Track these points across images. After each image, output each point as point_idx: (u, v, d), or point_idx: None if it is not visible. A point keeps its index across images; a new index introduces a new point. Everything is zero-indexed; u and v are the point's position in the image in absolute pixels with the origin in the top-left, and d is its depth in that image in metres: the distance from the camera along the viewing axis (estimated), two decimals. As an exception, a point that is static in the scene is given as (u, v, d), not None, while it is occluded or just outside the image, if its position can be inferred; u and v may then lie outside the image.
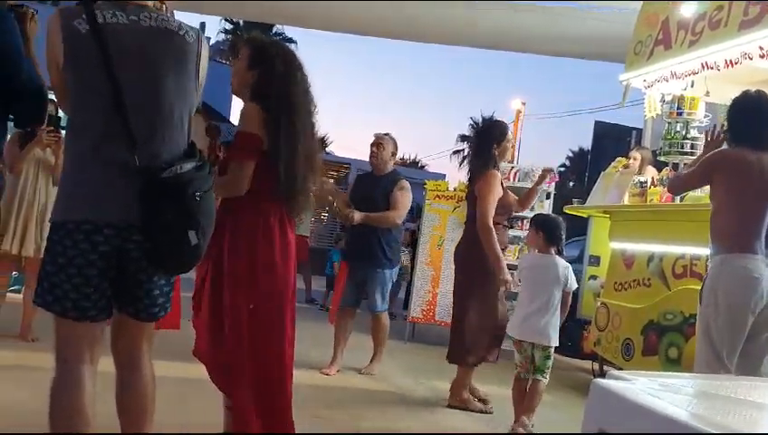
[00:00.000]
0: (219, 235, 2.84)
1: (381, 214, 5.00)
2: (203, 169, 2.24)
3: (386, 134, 5.32)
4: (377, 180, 5.19)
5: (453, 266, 6.97)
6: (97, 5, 2.16)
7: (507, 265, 4.39)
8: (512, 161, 7.37)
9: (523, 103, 9.64)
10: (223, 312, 2.79)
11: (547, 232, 4.11)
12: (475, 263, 4.41)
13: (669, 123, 5.51)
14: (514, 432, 3.93)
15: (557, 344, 3.97)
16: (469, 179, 4.73)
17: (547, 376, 3.95)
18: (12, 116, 2.45)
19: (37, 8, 2.70)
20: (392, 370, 5.39)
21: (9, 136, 4.83)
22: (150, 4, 2.30)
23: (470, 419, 4.28)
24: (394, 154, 5.31)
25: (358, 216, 4.94)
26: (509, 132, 4.68)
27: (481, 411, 4.39)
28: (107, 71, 2.10)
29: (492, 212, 4.36)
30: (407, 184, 5.19)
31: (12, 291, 5.52)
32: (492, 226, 4.31)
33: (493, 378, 4.78)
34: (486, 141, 4.61)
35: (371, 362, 5.23)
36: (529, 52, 8.80)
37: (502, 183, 4.53)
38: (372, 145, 5.23)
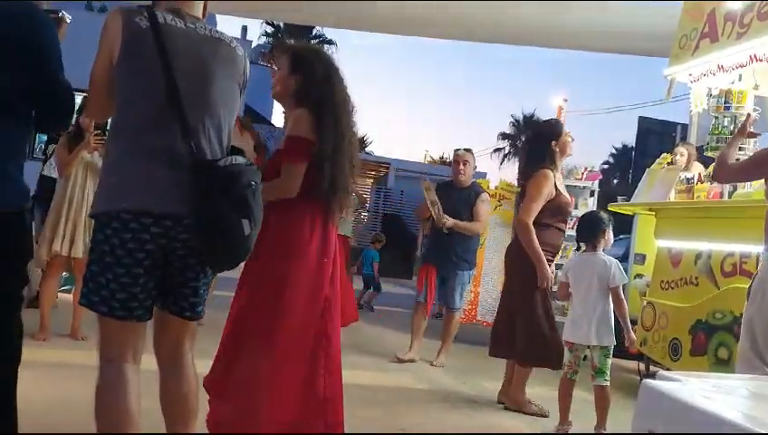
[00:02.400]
0: (262, 236, 2.88)
1: (467, 224, 5.56)
2: (252, 165, 2.29)
3: (467, 150, 5.89)
4: (459, 192, 5.71)
5: (494, 266, 7.05)
6: (158, 10, 2.23)
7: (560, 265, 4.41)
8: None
9: (565, 100, 9.54)
10: (252, 312, 2.82)
11: (585, 229, 4.05)
12: (527, 263, 4.32)
13: (716, 118, 5.38)
14: (557, 433, 3.89)
15: (614, 343, 3.90)
16: (523, 178, 4.65)
17: (608, 378, 3.87)
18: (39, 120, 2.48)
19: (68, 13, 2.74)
20: (434, 369, 5.39)
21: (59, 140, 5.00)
22: (203, 18, 2.38)
23: (513, 419, 4.24)
24: (474, 168, 5.93)
25: (450, 222, 5.45)
26: (564, 127, 4.60)
27: (537, 414, 4.30)
28: (163, 65, 2.15)
29: (534, 210, 4.29)
30: (487, 196, 5.88)
31: (62, 291, 5.68)
32: (530, 223, 4.26)
33: (535, 379, 4.72)
34: (542, 139, 4.54)
35: (439, 354, 5.61)
36: (570, 48, 8.69)
37: (556, 184, 4.41)
38: (458, 163, 5.77)
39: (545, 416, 4.29)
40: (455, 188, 5.75)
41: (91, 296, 2.17)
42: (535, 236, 4.24)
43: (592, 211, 4.81)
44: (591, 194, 7.15)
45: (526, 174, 4.50)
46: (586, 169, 7.13)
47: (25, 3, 2.44)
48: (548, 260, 4.36)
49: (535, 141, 4.66)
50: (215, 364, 2.88)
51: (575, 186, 7.07)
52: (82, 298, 2.22)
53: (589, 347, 3.92)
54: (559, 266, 6.24)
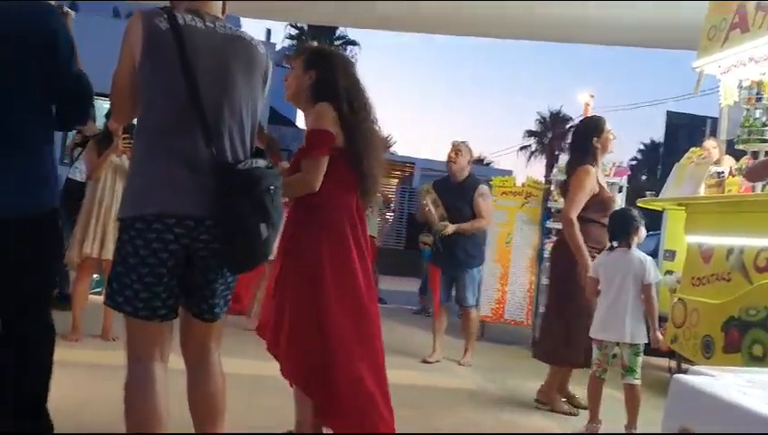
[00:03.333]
0: (289, 233, 2.89)
1: (471, 224, 5.47)
2: (273, 168, 2.29)
3: (463, 142, 5.74)
4: (457, 188, 5.59)
5: (522, 264, 7.00)
6: (177, 11, 2.24)
7: None
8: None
9: (591, 96, 9.42)
10: (297, 309, 2.83)
11: (617, 227, 4.00)
12: (568, 261, 4.30)
13: (747, 110, 5.27)
14: (587, 433, 3.85)
15: (645, 341, 3.84)
16: (566, 175, 4.69)
17: (639, 376, 3.82)
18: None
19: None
20: (462, 368, 5.37)
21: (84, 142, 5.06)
22: (222, 17, 2.38)
23: (543, 418, 4.21)
24: (470, 161, 5.74)
25: (451, 228, 5.39)
26: (607, 125, 4.57)
27: (567, 413, 4.30)
28: (183, 67, 2.15)
29: (577, 205, 4.29)
30: (485, 189, 5.67)
31: (93, 293, 5.76)
32: (574, 218, 4.24)
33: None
34: (584, 136, 4.54)
35: (465, 353, 5.60)
36: (595, 43, 8.59)
37: (598, 180, 4.41)
38: (450, 152, 5.65)
39: (574, 415, 4.27)
40: (452, 182, 5.65)
41: (116, 297, 2.20)
42: (578, 230, 4.23)
43: (624, 208, 4.74)
44: (620, 190, 7.06)
45: (568, 170, 4.54)
46: (614, 164, 7.03)
47: (39, 2, 2.48)
48: (593, 257, 4.33)
49: (578, 137, 4.65)
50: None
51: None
52: (107, 298, 2.24)
53: (618, 345, 3.87)
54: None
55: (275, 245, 2.49)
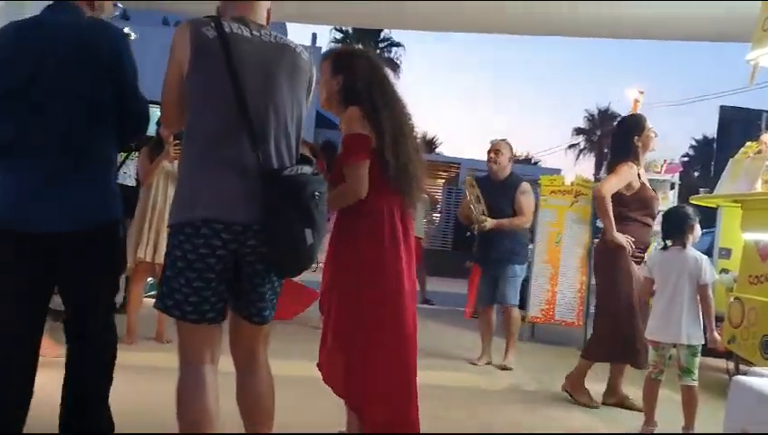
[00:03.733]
0: (333, 239, 2.91)
1: (510, 221, 5.36)
2: (319, 175, 2.30)
3: (502, 140, 5.62)
4: (498, 186, 5.48)
5: (572, 263, 6.91)
6: (224, 19, 2.27)
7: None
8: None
9: (641, 92, 9.24)
10: (338, 315, 2.84)
11: (671, 225, 3.92)
12: (610, 260, 4.33)
13: (805, 102, 5.09)
14: (642, 434, 3.77)
15: (702, 342, 3.75)
16: (607, 172, 4.68)
17: (696, 377, 3.74)
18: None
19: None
20: (514, 370, 5.31)
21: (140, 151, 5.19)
22: (267, 24, 2.41)
23: (596, 419, 4.14)
24: (511, 159, 5.60)
25: (490, 223, 5.29)
26: (648, 123, 4.51)
27: (586, 405, 4.34)
28: (230, 75, 2.18)
29: (611, 184, 4.34)
30: (527, 186, 5.53)
31: (148, 296, 5.89)
32: (605, 195, 4.28)
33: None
34: (624, 135, 4.54)
35: (506, 354, 5.45)
36: (643, 38, 8.41)
37: (639, 176, 4.38)
38: (490, 151, 5.53)
39: (595, 407, 4.32)
40: (493, 181, 5.54)
41: (166, 300, 2.24)
42: (609, 206, 4.27)
43: (678, 206, 4.66)
44: (672, 187, 6.91)
45: (609, 168, 4.52)
46: (665, 161, 6.89)
47: (106, 22, 2.57)
48: (637, 257, 4.37)
49: (618, 136, 4.65)
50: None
51: (655, 179, 6.84)
52: (158, 302, 2.28)
53: (675, 346, 3.79)
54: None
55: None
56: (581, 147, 41.95)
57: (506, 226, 5.33)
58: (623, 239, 4.27)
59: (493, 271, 5.49)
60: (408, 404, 2.84)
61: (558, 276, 6.92)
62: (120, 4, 2.82)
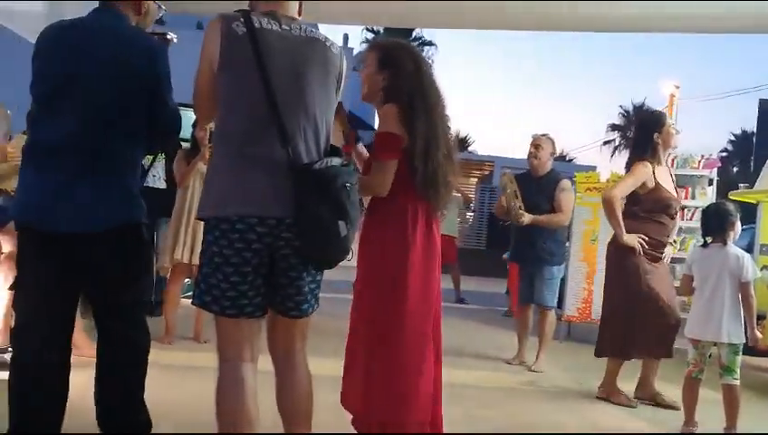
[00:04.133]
0: (365, 237, 2.91)
1: (548, 217, 5.21)
2: (349, 166, 2.31)
3: (543, 135, 5.48)
4: (537, 183, 5.34)
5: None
6: (254, 14, 2.29)
7: (673, 257, 4.45)
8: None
9: (677, 87, 9.08)
10: (367, 311, 2.85)
11: (712, 222, 3.85)
12: (618, 256, 4.36)
13: None
14: (683, 434, 3.71)
15: (743, 340, 3.69)
16: (625, 171, 4.65)
17: (738, 376, 3.68)
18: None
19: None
20: (550, 369, 5.26)
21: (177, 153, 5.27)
22: (299, 18, 2.41)
23: (634, 419, 4.09)
24: (552, 154, 5.47)
25: (527, 218, 5.14)
26: (668, 120, 4.45)
27: (623, 405, 4.31)
28: (259, 70, 2.20)
29: (620, 189, 4.34)
30: (568, 184, 5.38)
31: (185, 297, 5.97)
32: (612, 197, 4.28)
33: (659, 376, 4.53)
34: (644, 132, 4.51)
35: (537, 357, 5.31)
36: (680, 31, 8.25)
37: (656, 177, 4.33)
38: (530, 147, 5.41)
39: (633, 407, 4.27)
40: (533, 177, 5.40)
41: (204, 296, 2.26)
42: (617, 210, 4.28)
43: (718, 202, 4.58)
44: (710, 183, 6.77)
45: (627, 167, 4.52)
46: (703, 156, 6.75)
47: (141, 31, 2.61)
48: (654, 254, 4.34)
49: (638, 133, 4.65)
50: (346, 377, 2.92)
51: (692, 175, 6.72)
52: (196, 298, 2.30)
53: (715, 344, 3.72)
54: (675, 260, 5.98)
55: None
56: (616, 143, 41.36)
57: (544, 222, 5.19)
58: (634, 241, 4.26)
59: (529, 269, 5.39)
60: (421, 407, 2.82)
61: (594, 274, 6.84)
62: (162, 6, 2.84)
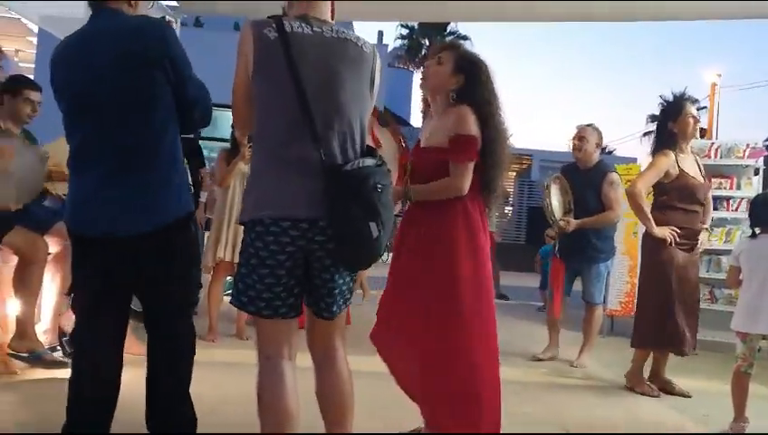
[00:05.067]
0: (418, 235, 2.92)
1: (595, 219, 5.02)
2: (382, 166, 2.31)
3: (588, 125, 5.26)
4: (584, 176, 5.15)
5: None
6: (285, 18, 2.31)
7: (710, 249, 4.58)
8: (710, 137, 6.83)
9: (718, 75, 8.92)
10: (425, 310, 2.86)
11: (761, 212, 3.76)
12: (651, 248, 4.36)
13: None
14: (733, 432, 3.63)
15: None
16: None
17: None
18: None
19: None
20: (591, 364, 5.20)
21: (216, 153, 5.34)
22: (331, 20, 2.42)
23: (679, 415, 4.02)
24: (599, 145, 5.25)
25: (573, 225, 5.01)
26: (687, 108, 4.36)
27: (646, 395, 4.33)
28: (291, 72, 2.22)
29: (642, 181, 4.34)
30: (616, 177, 5.15)
31: (227, 295, 6.05)
32: (636, 192, 4.27)
33: (701, 372, 4.45)
34: (662, 121, 4.50)
35: (581, 354, 5.21)
36: (723, 18, 8.05)
37: (679, 165, 4.29)
38: (575, 138, 5.20)
39: (656, 396, 4.30)
40: (579, 170, 5.18)
41: (241, 297, 2.30)
42: (642, 204, 4.28)
43: (767, 192, 4.48)
44: (756, 172, 6.60)
45: (651, 157, 4.50)
46: (748, 145, 6.58)
47: (146, 18, 2.63)
48: (683, 244, 4.30)
49: (659, 123, 4.61)
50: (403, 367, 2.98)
51: (737, 165, 6.56)
52: (234, 299, 2.35)
53: (765, 338, 3.64)
54: (721, 253, 5.85)
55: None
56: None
57: (591, 224, 5.02)
58: (665, 232, 4.22)
59: (575, 265, 5.22)
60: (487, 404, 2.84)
61: (637, 268, 6.72)
62: (150, 4, 2.84)
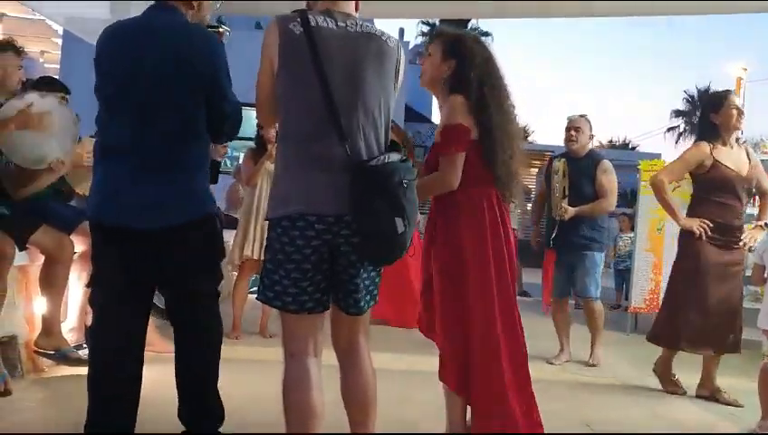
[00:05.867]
0: (437, 231, 2.91)
1: (591, 206, 4.99)
2: (407, 161, 2.30)
3: (582, 116, 5.26)
4: (577, 165, 5.08)
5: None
6: (310, 13, 2.31)
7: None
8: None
9: (744, 69, 8.77)
10: (443, 307, 2.85)
11: None
12: (682, 240, 4.33)
13: None
14: (759, 431, 3.58)
15: None
16: None
17: None
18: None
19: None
20: (617, 363, 5.17)
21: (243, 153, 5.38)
22: (355, 14, 2.42)
23: (705, 412, 3.98)
24: (591, 136, 5.24)
25: (570, 212, 4.94)
26: (730, 99, 4.30)
27: (672, 392, 4.30)
28: (316, 68, 2.22)
29: (670, 170, 4.35)
30: (609, 165, 5.12)
31: (252, 292, 6.09)
32: (658, 181, 4.27)
33: (728, 369, 4.39)
34: (703, 114, 4.45)
35: (593, 350, 5.12)
36: (746, 11, 7.92)
37: (714, 156, 4.19)
38: (569, 130, 5.16)
39: (683, 394, 4.26)
40: (571, 159, 5.09)
41: (267, 292, 2.31)
42: (664, 193, 4.28)
43: None
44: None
45: None
46: (779, 139, 6.49)
47: (197, 25, 2.65)
48: (716, 239, 4.18)
49: (701, 114, 4.58)
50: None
51: (763, 160, 6.41)
52: (259, 294, 2.35)
53: None
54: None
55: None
56: (681, 129, 40.10)
57: (588, 212, 4.96)
58: (694, 224, 4.17)
59: (569, 258, 5.06)
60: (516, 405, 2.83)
61: (661, 265, 6.66)
62: (217, 4, 2.88)
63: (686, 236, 4.26)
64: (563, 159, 5.11)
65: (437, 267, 2.88)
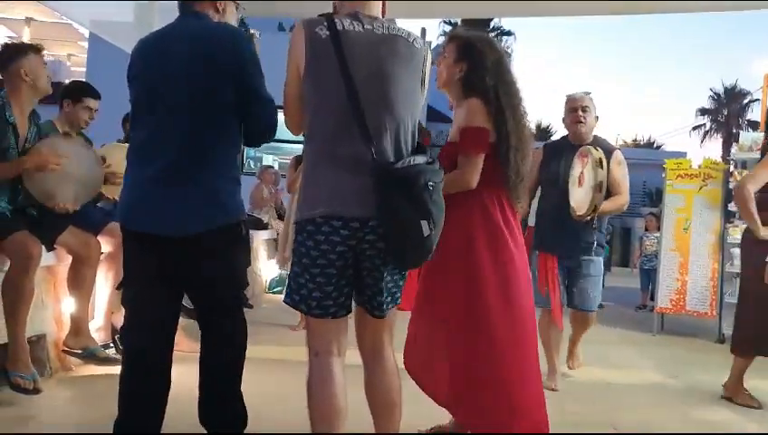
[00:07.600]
0: (449, 232, 2.90)
1: (611, 203, 4.09)
2: (434, 163, 2.29)
3: (586, 94, 4.40)
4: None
5: (703, 251, 6.55)
6: (336, 16, 2.31)
7: None
8: (763, 130, 6.61)
9: (773, 65, 8.62)
10: (455, 309, 2.83)
11: None
12: (752, 247, 4.05)
13: None
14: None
15: None
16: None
17: None
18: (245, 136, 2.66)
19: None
20: (644, 363, 5.12)
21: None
22: (381, 17, 2.42)
23: (734, 414, 3.92)
24: (596, 118, 4.34)
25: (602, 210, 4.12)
26: None
27: (747, 406, 4.05)
28: (343, 71, 2.21)
29: (754, 180, 3.97)
30: (621, 156, 4.27)
31: (276, 292, 6.14)
32: (745, 193, 3.90)
33: (757, 370, 4.32)
34: None
35: (570, 358, 4.67)
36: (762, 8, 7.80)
37: None
38: (575, 109, 4.23)
39: (759, 408, 4.02)
40: (573, 147, 4.19)
41: (293, 295, 2.31)
42: (749, 205, 3.91)
43: None
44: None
45: (762, 153, 4.33)
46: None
47: (225, 24, 2.67)
48: None
49: None
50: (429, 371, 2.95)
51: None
52: (286, 297, 2.36)
53: None
54: None
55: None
56: (707, 128, 39.60)
57: (609, 211, 4.15)
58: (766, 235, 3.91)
59: (571, 264, 4.24)
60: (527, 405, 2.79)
61: (688, 265, 6.59)
62: (243, 5, 2.89)
63: (756, 244, 3.97)
64: (596, 148, 4.02)
65: (453, 268, 2.85)
